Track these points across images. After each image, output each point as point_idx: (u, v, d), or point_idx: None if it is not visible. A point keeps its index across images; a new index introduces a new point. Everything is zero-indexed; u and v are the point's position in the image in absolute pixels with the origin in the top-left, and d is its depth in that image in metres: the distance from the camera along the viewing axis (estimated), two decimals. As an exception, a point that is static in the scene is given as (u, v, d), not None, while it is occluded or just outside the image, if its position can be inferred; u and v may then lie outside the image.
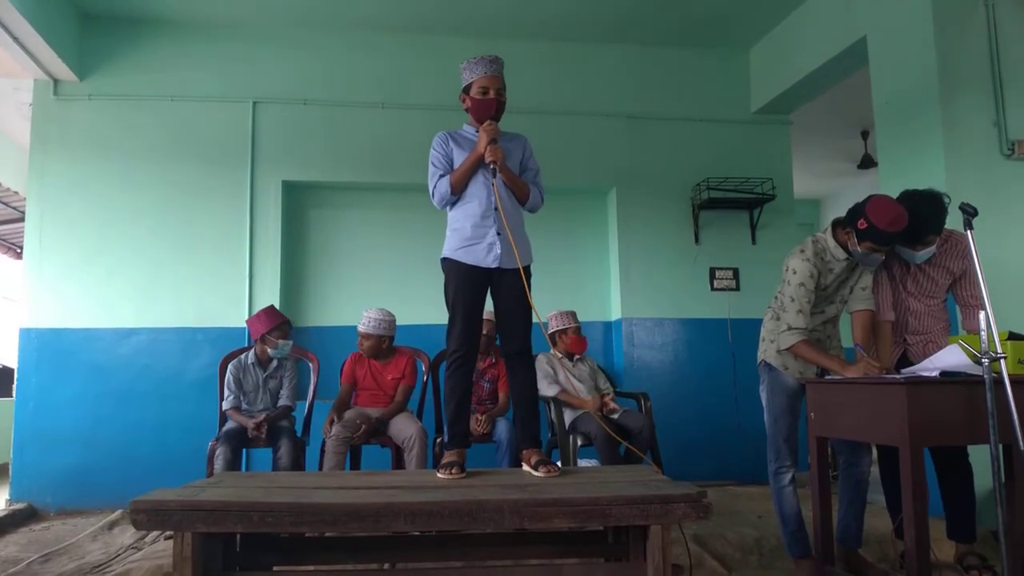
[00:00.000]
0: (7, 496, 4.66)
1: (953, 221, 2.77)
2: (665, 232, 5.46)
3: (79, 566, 3.33)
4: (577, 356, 4.18)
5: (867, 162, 6.85)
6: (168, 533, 3.20)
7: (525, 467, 2.57)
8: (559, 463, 3.23)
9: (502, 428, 3.95)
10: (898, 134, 4.13)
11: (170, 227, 4.98)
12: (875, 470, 3.05)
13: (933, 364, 2.47)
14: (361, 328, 4.01)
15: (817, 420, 2.73)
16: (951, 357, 2.41)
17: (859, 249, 2.73)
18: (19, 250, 7.01)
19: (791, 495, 2.92)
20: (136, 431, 4.75)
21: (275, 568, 2.55)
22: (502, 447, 3.90)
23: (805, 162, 7.14)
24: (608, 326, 5.56)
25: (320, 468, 3.65)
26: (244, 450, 3.82)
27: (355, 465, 3.94)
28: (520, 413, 2.68)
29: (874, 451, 3.01)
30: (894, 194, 2.82)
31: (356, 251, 5.33)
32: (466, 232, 2.62)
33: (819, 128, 6.48)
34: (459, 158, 2.65)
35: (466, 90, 2.66)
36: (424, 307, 4.77)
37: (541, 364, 4.02)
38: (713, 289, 5.46)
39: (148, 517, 1.98)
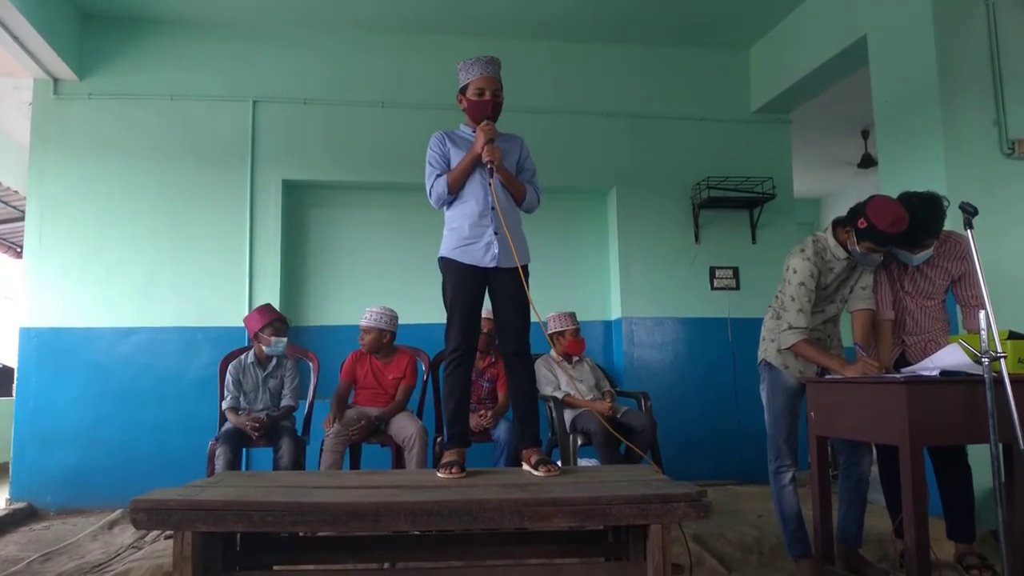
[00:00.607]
0: (7, 495, 4.66)
1: (953, 220, 2.77)
2: (665, 231, 5.46)
3: (79, 565, 3.33)
4: (575, 357, 4.18)
5: (867, 161, 6.85)
6: (168, 533, 3.20)
7: (525, 466, 2.56)
8: (559, 462, 3.23)
9: (501, 428, 3.95)
10: (898, 133, 4.13)
11: (170, 226, 4.98)
12: (875, 470, 3.05)
13: (933, 363, 2.48)
14: (362, 322, 4.01)
15: (817, 419, 2.73)
16: (951, 356, 2.41)
17: (858, 248, 2.74)
18: (19, 249, 7.00)
19: (791, 494, 2.92)
20: (136, 430, 4.75)
21: (275, 567, 2.55)
22: (500, 446, 3.91)
23: (805, 161, 7.13)
24: (608, 325, 5.56)
25: (319, 466, 3.65)
26: (244, 449, 3.82)
27: (355, 464, 3.94)
28: (519, 412, 2.68)
29: (874, 451, 3.02)
30: (894, 194, 2.82)
31: (356, 250, 5.33)
32: (464, 231, 2.62)
33: (819, 127, 6.47)
34: (456, 158, 2.65)
35: (462, 91, 2.66)
36: (424, 306, 4.74)
37: (540, 369, 4.02)
38: (713, 288, 5.47)
39: (148, 516, 1.98)
